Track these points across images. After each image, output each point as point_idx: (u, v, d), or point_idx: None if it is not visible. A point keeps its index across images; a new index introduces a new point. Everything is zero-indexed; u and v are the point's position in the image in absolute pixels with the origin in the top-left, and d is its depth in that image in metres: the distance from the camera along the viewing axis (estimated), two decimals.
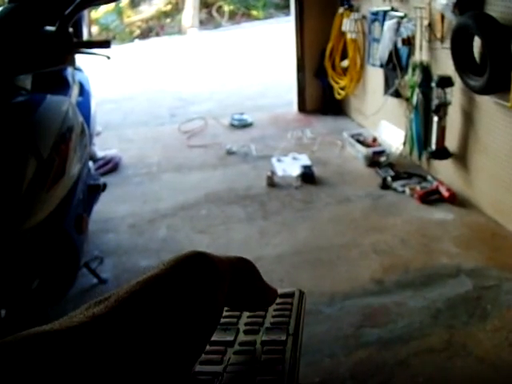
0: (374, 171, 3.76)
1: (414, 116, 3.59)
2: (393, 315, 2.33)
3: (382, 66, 3.95)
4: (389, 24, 3.71)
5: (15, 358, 0.26)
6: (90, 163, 2.64)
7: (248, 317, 0.39)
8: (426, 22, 3.38)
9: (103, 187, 2.63)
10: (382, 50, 3.84)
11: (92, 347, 0.27)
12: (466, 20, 2.80)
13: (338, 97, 4.93)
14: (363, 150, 3.95)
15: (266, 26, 10.49)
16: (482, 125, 3.05)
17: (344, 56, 4.72)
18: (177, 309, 0.31)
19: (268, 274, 2.65)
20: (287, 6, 7.36)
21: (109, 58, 2.24)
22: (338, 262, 2.76)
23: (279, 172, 3.84)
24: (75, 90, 2.52)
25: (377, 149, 3.97)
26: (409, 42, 3.57)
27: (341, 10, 4.56)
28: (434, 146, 3.38)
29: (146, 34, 11.05)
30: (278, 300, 0.40)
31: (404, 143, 3.84)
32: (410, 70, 3.60)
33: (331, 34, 4.73)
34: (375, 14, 4.01)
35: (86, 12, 2.67)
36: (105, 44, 2.11)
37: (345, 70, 4.74)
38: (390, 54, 3.75)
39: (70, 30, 1.96)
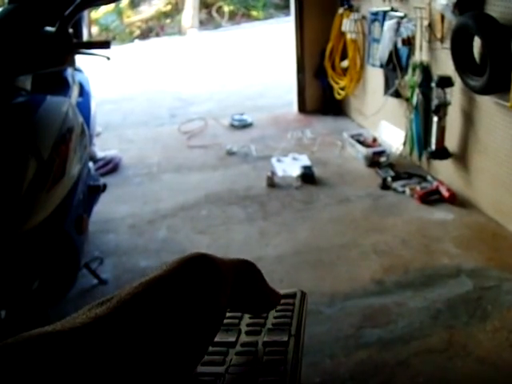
0: (374, 171, 3.76)
1: (414, 116, 3.59)
2: (393, 315, 2.33)
3: (381, 66, 3.95)
4: (389, 24, 3.71)
5: (18, 360, 0.26)
6: (90, 164, 2.64)
7: (250, 318, 0.39)
8: (425, 22, 3.38)
9: (103, 188, 2.63)
10: (381, 51, 3.84)
11: (94, 348, 0.27)
12: (465, 20, 2.80)
13: (337, 97, 4.94)
14: (363, 151, 3.95)
15: (266, 27, 10.49)
16: (482, 125, 3.05)
17: (344, 56, 4.72)
18: (179, 310, 0.30)
19: (268, 274, 2.63)
20: (287, 7, 7.36)
21: (109, 58, 2.24)
22: (338, 262, 2.76)
23: (279, 172, 3.84)
24: (75, 91, 2.52)
25: (377, 149, 3.97)
26: (409, 42, 3.57)
27: (341, 10, 4.56)
28: (433, 146, 3.38)
29: (145, 34, 11.05)
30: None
31: (404, 143, 3.84)
32: (409, 70, 3.60)
33: (331, 34, 4.73)
34: (375, 14, 4.01)
35: (85, 12, 2.67)
36: (105, 44, 2.12)
37: (345, 71, 4.74)
38: (390, 54, 3.75)
39: (70, 30, 1.96)
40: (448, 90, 3.18)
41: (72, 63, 2.10)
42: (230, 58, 8.14)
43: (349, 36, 4.49)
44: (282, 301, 0.40)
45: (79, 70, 2.76)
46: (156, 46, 9.94)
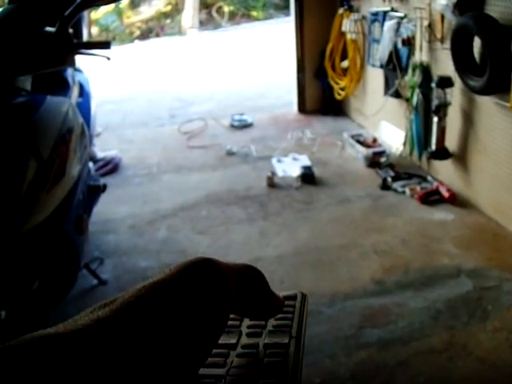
0: (374, 172, 3.76)
1: (414, 116, 3.59)
2: (393, 316, 2.33)
3: (382, 66, 3.95)
4: (389, 24, 3.71)
5: (20, 362, 0.26)
6: (90, 164, 2.64)
7: (251, 320, 0.39)
8: (425, 23, 3.38)
9: (103, 188, 2.63)
10: (382, 51, 3.84)
11: (96, 350, 0.27)
12: (465, 20, 2.80)
13: (338, 97, 4.94)
14: (363, 151, 3.95)
15: (266, 27, 10.49)
16: (482, 125, 3.05)
17: (344, 56, 4.72)
18: (182, 314, 0.30)
19: (268, 274, 2.62)
20: (287, 7, 7.36)
21: (109, 58, 2.25)
22: (338, 262, 2.76)
23: (279, 173, 3.84)
24: (75, 91, 2.52)
25: (377, 149, 3.97)
26: (409, 42, 3.57)
27: (341, 10, 4.56)
28: (434, 147, 3.38)
29: (145, 34, 11.06)
30: None
31: (404, 144, 3.84)
32: (410, 71, 3.60)
33: (331, 34, 4.73)
34: (375, 14, 4.01)
35: (85, 13, 2.67)
36: (105, 45, 2.12)
37: (345, 71, 4.74)
38: (390, 55, 3.75)
39: (70, 30, 1.96)
40: (448, 90, 3.18)
41: (72, 63, 2.10)
42: (230, 59, 8.14)
43: (349, 36, 4.50)
44: (279, 296, 0.40)
45: (79, 71, 2.76)
46: (156, 46, 9.95)
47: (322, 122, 4.98)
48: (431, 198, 3.31)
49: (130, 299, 0.30)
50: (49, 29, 1.95)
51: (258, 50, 8.52)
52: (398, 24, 3.64)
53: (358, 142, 4.13)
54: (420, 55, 3.51)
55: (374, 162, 3.85)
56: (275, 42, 8.45)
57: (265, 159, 4.14)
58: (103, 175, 3.84)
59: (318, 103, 5.22)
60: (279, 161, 4.05)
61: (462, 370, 2.02)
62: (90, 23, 9.98)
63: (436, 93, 3.23)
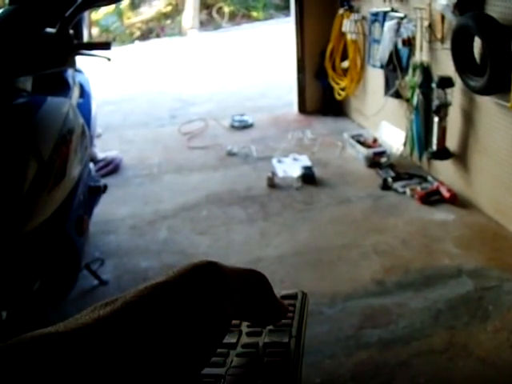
0: (375, 172, 3.76)
1: (414, 117, 3.59)
2: (394, 316, 2.33)
3: (382, 66, 3.95)
4: (389, 25, 3.71)
5: (20, 360, 0.26)
6: (91, 165, 2.64)
7: (253, 325, 0.38)
8: (426, 23, 3.38)
9: (104, 189, 2.64)
10: (382, 51, 3.84)
11: (97, 349, 0.27)
12: (466, 20, 2.80)
13: (338, 98, 4.93)
14: (364, 151, 3.95)
15: (266, 27, 10.49)
16: (482, 125, 3.05)
17: (344, 57, 4.72)
18: (184, 316, 0.30)
19: (269, 274, 2.62)
20: (287, 7, 7.35)
21: (109, 59, 2.25)
22: (338, 262, 2.76)
23: (280, 173, 3.84)
24: (76, 92, 2.52)
25: (377, 149, 3.97)
26: (409, 42, 3.57)
27: (341, 10, 4.56)
28: (434, 147, 3.38)
29: (146, 35, 11.05)
30: None
31: (404, 144, 3.84)
32: (410, 71, 3.60)
33: (331, 34, 4.73)
34: (375, 14, 4.01)
35: (86, 14, 2.67)
36: (105, 46, 2.12)
37: (345, 71, 4.74)
38: (391, 55, 3.75)
39: (71, 31, 1.96)
40: (448, 90, 3.18)
41: (72, 64, 2.10)
42: (231, 59, 8.14)
43: (349, 37, 4.50)
44: (284, 302, 0.40)
45: (80, 71, 2.76)
46: (156, 46, 9.95)
47: (323, 122, 4.98)
48: (432, 198, 3.31)
49: (132, 299, 0.30)
50: (49, 30, 1.95)
51: (259, 50, 8.52)
52: (399, 24, 3.64)
53: (359, 142, 4.13)
54: (420, 55, 3.51)
55: (375, 162, 3.85)
56: (275, 42, 8.45)
57: (265, 159, 4.14)
58: (104, 176, 3.84)
59: (318, 103, 5.22)
60: (279, 161, 4.05)
61: (463, 370, 2.02)
62: (91, 24, 9.98)
63: (436, 93, 3.23)
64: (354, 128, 4.70)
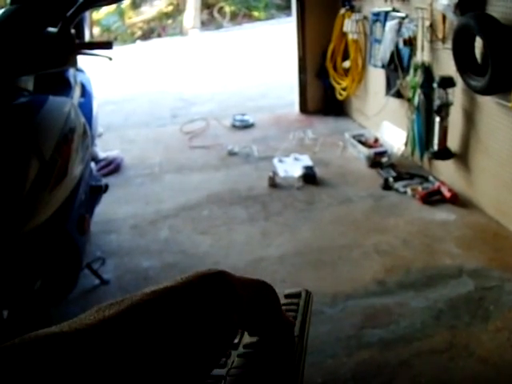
0: (376, 172, 3.76)
1: (415, 116, 3.59)
2: (395, 316, 2.33)
3: (383, 66, 3.95)
4: (390, 25, 3.71)
5: (25, 360, 0.26)
6: (92, 164, 2.64)
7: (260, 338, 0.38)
8: (427, 23, 3.38)
9: (105, 188, 2.64)
10: (383, 51, 3.84)
11: (101, 350, 0.27)
12: (467, 20, 2.80)
13: (339, 97, 4.94)
14: (365, 151, 3.95)
15: (268, 27, 10.49)
16: (483, 125, 3.05)
17: (345, 57, 4.72)
18: (189, 323, 0.30)
19: (270, 274, 2.65)
20: (288, 7, 7.36)
21: (111, 59, 2.25)
22: (339, 262, 2.76)
23: (281, 173, 3.84)
24: (77, 92, 2.52)
25: (378, 149, 3.97)
26: (410, 42, 3.57)
27: (342, 10, 4.56)
28: (435, 147, 3.37)
29: (147, 35, 11.06)
30: (285, 301, 0.39)
31: (406, 144, 3.84)
32: (411, 71, 3.59)
33: (333, 34, 4.73)
34: (377, 14, 4.01)
35: (87, 13, 2.68)
36: (107, 45, 2.12)
37: (346, 71, 4.74)
38: (392, 55, 3.75)
39: (72, 31, 1.96)
40: (450, 90, 3.18)
41: (74, 64, 2.10)
42: (232, 59, 8.15)
43: (350, 36, 4.50)
44: (287, 300, 0.39)
45: (81, 71, 2.76)
46: (157, 46, 9.95)
47: (324, 122, 4.98)
48: (433, 198, 3.31)
49: (139, 302, 0.30)
50: (51, 29, 1.95)
51: (260, 50, 8.52)
52: (400, 24, 3.64)
53: (360, 142, 4.13)
54: (421, 55, 3.51)
55: (376, 162, 3.85)
56: (277, 42, 8.45)
57: (266, 159, 4.14)
58: (105, 175, 3.85)
59: (319, 103, 5.22)
60: (281, 161, 4.05)
61: (464, 370, 2.02)
62: (92, 24, 9.99)
63: (438, 93, 3.23)
64: (356, 128, 4.70)
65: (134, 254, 2.96)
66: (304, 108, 5.28)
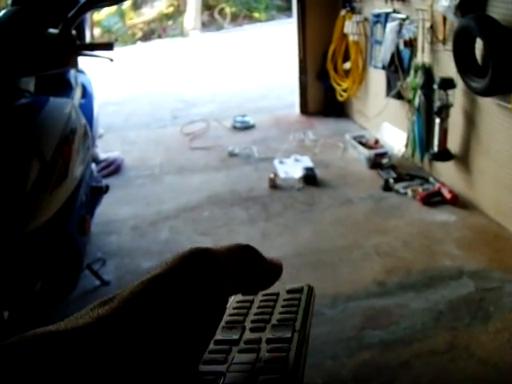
0: (376, 173, 3.76)
1: (416, 118, 3.59)
2: (395, 317, 2.33)
3: (384, 68, 3.96)
4: (391, 26, 3.71)
5: (22, 358, 0.26)
6: (93, 165, 2.64)
7: (255, 314, 0.38)
8: (427, 24, 3.38)
9: (105, 189, 2.64)
10: (384, 52, 3.84)
11: (97, 347, 0.28)
12: (468, 22, 2.80)
13: (340, 99, 4.94)
14: (365, 152, 3.95)
15: (268, 28, 10.50)
16: (484, 126, 3.05)
17: (346, 58, 4.72)
18: (182, 307, 0.31)
19: None
20: (289, 8, 7.37)
21: (111, 60, 2.25)
22: (340, 263, 2.76)
23: (281, 174, 3.84)
24: (78, 93, 2.53)
25: (379, 151, 3.97)
26: (411, 44, 3.58)
27: (343, 12, 4.56)
28: (436, 148, 3.38)
29: (148, 36, 11.06)
30: (286, 296, 0.39)
31: (406, 145, 3.84)
32: (412, 72, 3.60)
33: (333, 36, 4.73)
34: (377, 16, 4.01)
35: (88, 14, 2.68)
36: (107, 46, 2.12)
37: (347, 72, 4.74)
38: (392, 56, 3.75)
39: (73, 32, 1.96)
40: (450, 91, 3.18)
41: (75, 65, 2.10)
42: (232, 60, 8.15)
43: (351, 38, 4.50)
44: (289, 296, 0.39)
45: (82, 72, 2.77)
46: (158, 47, 9.95)
47: (324, 123, 4.98)
48: (433, 200, 3.31)
49: (129, 296, 0.31)
50: (52, 30, 1.96)
51: (260, 51, 8.53)
52: (400, 25, 3.64)
53: (360, 143, 4.13)
54: (422, 57, 3.51)
55: (376, 163, 3.85)
56: (277, 43, 8.46)
57: (267, 160, 4.14)
58: (105, 176, 3.85)
59: (320, 105, 5.22)
60: (281, 162, 4.05)
61: (464, 371, 2.02)
62: (93, 25, 10.00)
63: (438, 94, 3.23)
64: (356, 129, 4.70)
65: (135, 254, 2.96)
66: (304, 109, 5.28)
